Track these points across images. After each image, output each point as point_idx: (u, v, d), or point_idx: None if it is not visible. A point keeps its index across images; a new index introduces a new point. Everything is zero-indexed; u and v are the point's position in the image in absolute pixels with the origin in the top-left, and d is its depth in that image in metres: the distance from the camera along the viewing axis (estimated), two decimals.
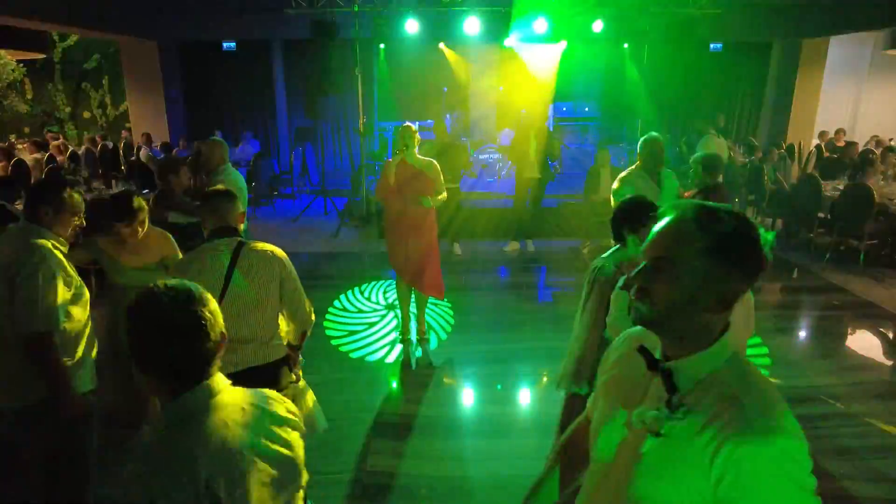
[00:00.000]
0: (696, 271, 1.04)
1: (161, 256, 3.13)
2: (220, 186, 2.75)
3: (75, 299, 2.39)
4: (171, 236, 3.23)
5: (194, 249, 2.44)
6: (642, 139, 4.31)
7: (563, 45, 10.72)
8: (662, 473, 1.06)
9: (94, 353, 2.56)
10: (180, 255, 3.18)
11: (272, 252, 2.42)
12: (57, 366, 2.29)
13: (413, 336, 4.89)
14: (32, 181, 8.49)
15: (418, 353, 4.72)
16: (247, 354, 2.34)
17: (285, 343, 2.55)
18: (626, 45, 10.11)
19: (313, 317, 2.60)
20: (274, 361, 2.43)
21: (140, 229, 3.03)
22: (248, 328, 2.34)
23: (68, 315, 2.34)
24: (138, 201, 3.02)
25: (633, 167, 4.30)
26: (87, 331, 2.51)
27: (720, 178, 4.28)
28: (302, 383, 2.77)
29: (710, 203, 1.11)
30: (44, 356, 2.26)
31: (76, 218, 2.47)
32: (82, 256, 3.06)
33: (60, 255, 2.36)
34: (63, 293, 2.29)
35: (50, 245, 2.33)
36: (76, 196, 2.47)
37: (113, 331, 3.12)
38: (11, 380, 2.30)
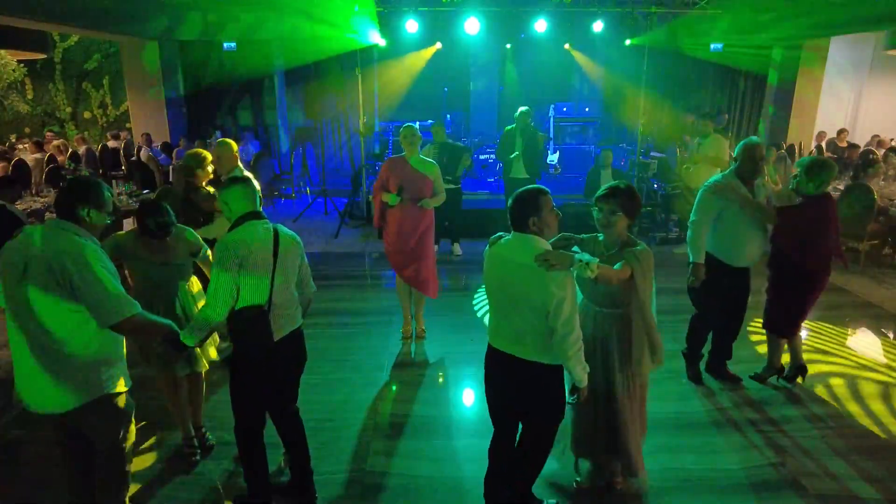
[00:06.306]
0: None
1: (189, 251, 3.16)
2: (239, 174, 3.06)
3: None
4: (191, 229, 3.25)
5: (239, 228, 2.63)
6: (742, 143, 3.88)
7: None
8: None
9: (124, 351, 2.56)
10: (204, 244, 3.25)
11: (294, 235, 2.84)
12: (158, 326, 2.49)
13: (417, 338, 4.95)
14: (37, 180, 8.49)
15: (416, 348, 4.75)
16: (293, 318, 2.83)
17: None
18: (627, 42, 10.09)
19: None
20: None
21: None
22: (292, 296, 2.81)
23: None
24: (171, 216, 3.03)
25: (727, 172, 3.91)
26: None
27: (827, 187, 3.78)
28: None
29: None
30: (145, 328, 2.42)
31: (108, 218, 2.47)
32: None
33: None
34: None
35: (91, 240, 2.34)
36: (112, 197, 2.50)
37: None
38: (77, 381, 2.33)
